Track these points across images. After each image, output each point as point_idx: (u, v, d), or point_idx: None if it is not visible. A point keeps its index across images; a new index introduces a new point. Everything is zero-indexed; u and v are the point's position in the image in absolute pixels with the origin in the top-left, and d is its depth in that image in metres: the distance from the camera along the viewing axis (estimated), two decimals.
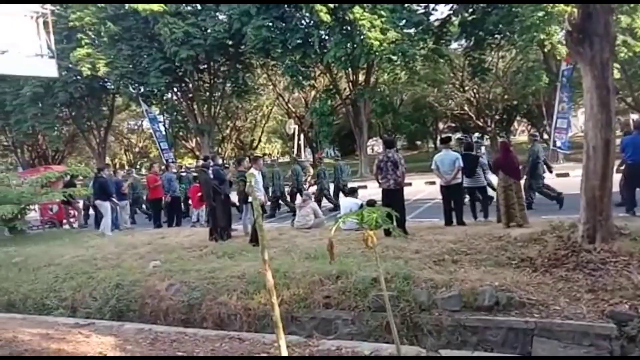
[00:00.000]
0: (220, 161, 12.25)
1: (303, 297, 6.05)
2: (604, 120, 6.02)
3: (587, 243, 6.09)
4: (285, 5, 23.45)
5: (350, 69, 25.88)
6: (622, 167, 9.26)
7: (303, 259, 7.33)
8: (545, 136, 24.28)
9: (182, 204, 14.30)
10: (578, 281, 5.34)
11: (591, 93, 6.07)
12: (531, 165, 11.10)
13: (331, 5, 20.89)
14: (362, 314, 5.57)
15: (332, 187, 14.75)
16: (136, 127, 49.14)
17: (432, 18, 26.16)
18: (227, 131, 41.51)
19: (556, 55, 21.24)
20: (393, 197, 8.33)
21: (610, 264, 5.54)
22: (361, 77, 27.44)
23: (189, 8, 25.69)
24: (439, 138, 50.20)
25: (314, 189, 14.37)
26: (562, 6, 18.30)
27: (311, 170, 16.54)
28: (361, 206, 8.90)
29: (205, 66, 29.93)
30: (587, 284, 5.24)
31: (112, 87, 30.49)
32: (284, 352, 3.11)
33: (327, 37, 24.36)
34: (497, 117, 37.55)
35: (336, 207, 13.50)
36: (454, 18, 26.39)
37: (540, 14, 19.21)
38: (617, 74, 18.60)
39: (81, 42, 25.09)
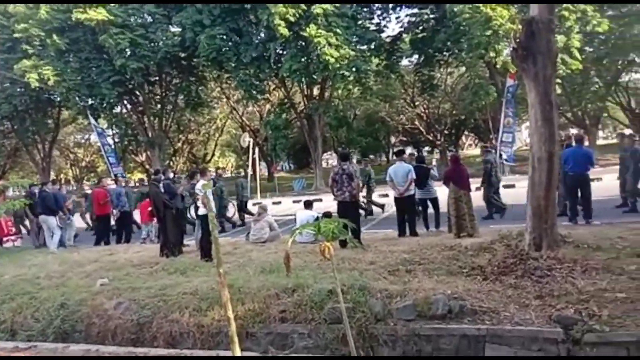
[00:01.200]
0: (171, 175, 11.97)
1: (258, 312, 5.95)
2: (548, 134, 6.30)
3: (534, 251, 6.33)
4: (241, 18, 23.39)
5: (304, 84, 26.06)
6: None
7: (258, 273, 7.22)
8: (492, 150, 25.17)
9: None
10: (526, 288, 5.51)
11: (535, 108, 6.36)
12: (487, 175, 11.49)
13: (290, 19, 20.99)
14: (319, 326, 5.53)
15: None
16: (83, 140, 47.41)
17: (384, 35, 26.85)
18: (179, 144, 40.74)
19: (502, 72, 22.17)
20: (348, 209, 8.37)
21: (556, 271, 5.77)
22: (315, 92, 27.68)
23: (139, 20, 25.21)
24: (391, 152, 51.36)
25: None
26: (509, 25, 19.17)
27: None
28: (317, 219, 8.91)
29: (157, 78, 29.36)
30: (534, 291, 5.41)
31: (59, 99, 29.37)
32: None
33: (281, 52, 24.45)
34: (446, 131, 38.77)
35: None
36: (404, 35, 27.17)
37: (489, 32, 20.04)
38: (558, 90, 19.58)
39: (27, 53, 24.10)
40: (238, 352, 2.93)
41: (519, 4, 20.83)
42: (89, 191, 15.91)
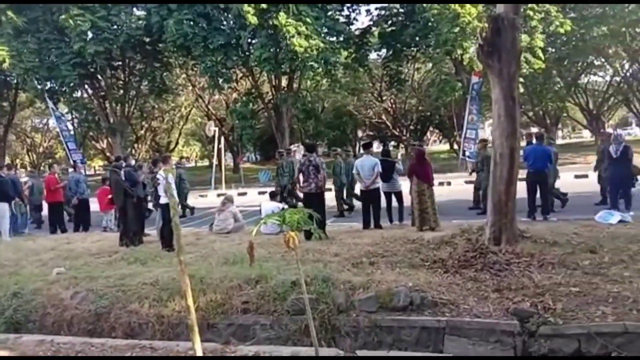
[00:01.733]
0: (133, 162, 11.66)
1: (220, 303, 5.87)
2: (510, 130, 6.45)
3: (493, 245, 6.48)
4: (210, 5, 22.92)
5: (273, 74, 25.83)
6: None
7: (221, 264, 7.13)
8: (456, 146, 25.65)
9: None
10: (485, 281, 5.63)
11: (499, 104, 6.49)
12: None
13: (261, 7, 20.70)
14: (281, 318, 5.51)
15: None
16: (41, 125, 45.73)
17: (353, 27, 26.87)
18: (142, 132, 39.78)
19: (468, 70, 22.55)
20: (314, 201, 8.37)
21: (514, 265, 5.92)
22: (284, 82, 27.49)
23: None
24: (358, 145, 51.64)
25: None
26: (476, 22, 19.49)
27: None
28: (282, 210, 8.86)
29: (120, 63, 28.51)
30: (493, 284, 5.54)
31: (16, 81, 28.16)
32: (199, 354, 2.98)
33: (250, 40, 24.14)
34: (411, 127, 39.25)
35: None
36: (374, 29, 27.25)
37: (456, 29, 20.31)
38: (521, 89, 20.07)
39: None
40: (198, 342, 2.87)
41: (488, 2, 21.22)
42: (26, 179, 15.07)
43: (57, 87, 26.54)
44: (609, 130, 12.04)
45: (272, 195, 11.70)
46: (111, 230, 12.16)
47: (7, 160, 34.54)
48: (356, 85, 32.65)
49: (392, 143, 45.41)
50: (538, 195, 10.00)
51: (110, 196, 10.85)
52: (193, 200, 20.37)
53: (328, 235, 8.35)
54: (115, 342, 5.31)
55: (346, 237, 8.51)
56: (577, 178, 17.00)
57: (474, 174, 12.63)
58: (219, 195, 19.38)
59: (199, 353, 2.93)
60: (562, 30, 21.52)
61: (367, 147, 10.63)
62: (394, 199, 10.37)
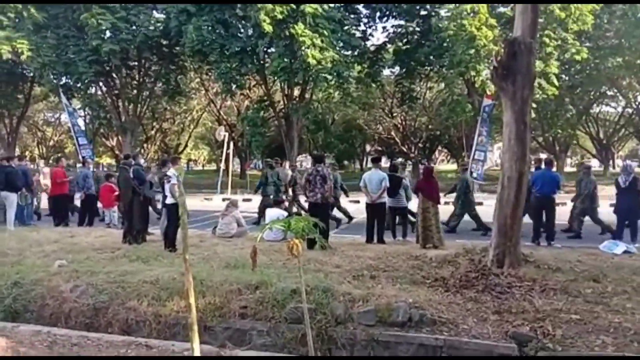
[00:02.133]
0: (142, 161, 11.74)
1: (219, 306, 5.87)
2: (520, 153, 6.44)
3: (496, 267, 6.45)
4: (229, 10, 23.15)
5: (286, 83, 25.99)
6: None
7: (222, 268, 7.14)
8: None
9: None
10: (486, 302, 5.60)
11: (510, 127, 6.50)
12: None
13: (278, 16, 20.89)
14: (278, 325, 5.49)
15: None
16: (53, 119, 46.14)
17: (368, 43, 27.04)
18: (152, 132, 40.03)
19: (480, 92, 22.61)
20: (319, 211, 8.38)
21: (516, 288, 5.88)
22: (296, 92, 27.63)
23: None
24: (366, 159, 51.68)
25: None
26: (491, 46, 19.56)
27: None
28: (287, 217, 8.88)
29: (136, 63, 28.78)
30: (493, 306, 5.51)
31: (32, 74, 28.48)
32: (197, 353, 2.98)
33: (266, 49, 24.34)
34: (420, 144, 39.28)
35: None
36: (389, 45, 27.41)
37: (471, 51, 20.39)
38: (532, 114, 20.08)
39: (2, 25, 23.29)
40: (197, 341, 2.87)
41: (503, 26, 21.31)
42: (47, 170, 14.99)
43: (72, 83, 26.82)
44: (626, 162, 12.00)
45: (277, 203, 11.72)
46: (115, 226, 12.21)
47: (18, 151, 34.86)
48: (367, 100, 32.76)
49: (400, 159, 45.41)
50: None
51: (117, 193, 10.92)
52: (199, 203, 20.52)
53: (331, 246, 8.34)
54: (111, 337, 5.31)
55: (348, 249, 8.50)
56: None
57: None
58: (224, 199, 19.46)
59: (197, 352, 2.93)
60: (578, 58, 21.51)
61: (376, 161, 10.62)
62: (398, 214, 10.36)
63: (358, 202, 15.05)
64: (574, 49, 21.25)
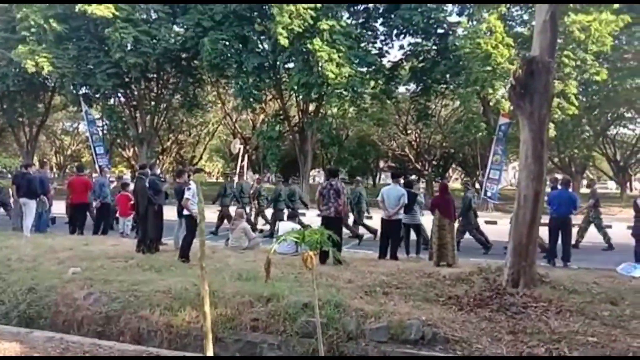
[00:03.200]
0: (158, 171, 11.87)
1: (230, 318, 5.87)
2: (536, 172, 6.39)
3: (511, 287, 6.36)
4: (247, 25, 23.47)
5: (303, 98, 26.16)
6: None
7: (234, 279, 7.15)
8: (477, 185, 25.44)
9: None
10: (500, 322, 5.51)
11: (527, 145, 6.45)
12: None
13: (296, 30, 21.12)
14: (290, 339, 5.46)
15: None
16: (71, 129, 46.90)
17: (384, 60, 27.17)
18: (168, 144, 40.46)
19: (495, 110, 22.53)
20: (332, 225, 8.32)
21: (531, 309, 5.79)
22: (311, 107, 27.78)
23: (143, 16, 25.17)
24: (378, 175, 51.53)
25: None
26: (507, 64, 19.54)
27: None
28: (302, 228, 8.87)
29: (154, 75, 29.24)
30: (508, 326, 5.42)
31: (52, 84, 29.07)
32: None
33: (284, 64, 24.59)
34: (434, 162, 39.07)
35: None
36: (405, 63, 27.50)
37: (488, 68, 20.39)
38: (552, 132, 19.98)
39: (25, 39, 23.88)
40: (210, 348, 2.87)
41: (520, 45, 21.30)
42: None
43: (91, 94, 27.33)
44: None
45: (291, 217, 11.73)
46: (127, 235, 12.29)
47: (36, 159, 35.44)
48: (382, 116, 32.76)
49: (413, 177, 45.20)
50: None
51: (132, 202, 11.01)
52: (210, 214, 20.48)
53: (346, 260, 8.30)
54: (123, 346, 5.33)
55: (361, 264, 8.45)
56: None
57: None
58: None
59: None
60: (598, 79, 21.35)
61: (396, 177, 10.17)
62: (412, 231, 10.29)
63: (371, 217, 14.99)
64: (593, 70, 21.12)
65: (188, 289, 6.49)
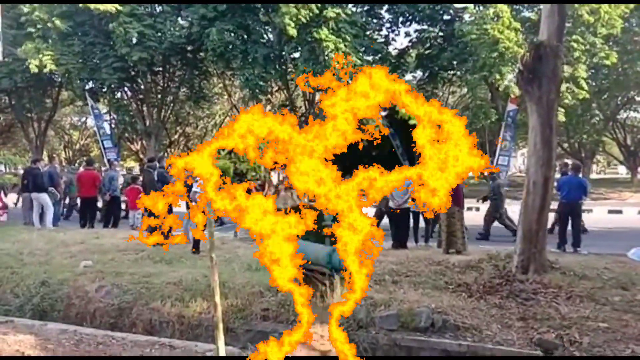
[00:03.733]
0: (166, 164, 11.92)
1: (241, 308, 5.93)
2: (546, 158, 6.34)
3: (520, 273, 6.35)
4: (250, 16, 23.37)
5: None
6: None
7: (244, 270, 7.20)
8: (486, 172, 25.27)
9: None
10: (510, 309, 5.52)
11: (536, 131, 6.40)
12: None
13: (303, 20, 21.00)
14: None
15: None
16: (79, 123, 47.11)
17: (390, 48, 26.95)
18: (176, 137, 40.55)
19: (504, 96, 22.33)
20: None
21: (541, 295, 5.78)
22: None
23: (147, 9, 25.12)
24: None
25: None
26: (515, 48, 19.31)
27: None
28: None
29: (160, 68, 29.23)
30: (518, 312, 5.42)
31: (60, 80, 29.19)
32: (222, 352, 3.00)
33: (289, 54, 24.49)
34: None
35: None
36: (411, 50, 27.28)
37: (495, 54, 20.17)
38: (561, 117, 19.77)
39: (31, 36, 23.95)
40: (221, 338, 2.89)
41: (527, 30, 21.03)
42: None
43: (97, 88, 27.40)
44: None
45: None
46: (138, 228, 12.37)
47: (45, 154, 35.69)
48: None
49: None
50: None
51: (141, 195, 11.07)
52: None
53: None
54: (135, 337, 5.39)
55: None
56: (610, 213, 16.52)
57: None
58: None
59: (222, 350, 2.95)
60: (607, 62, 21.08)
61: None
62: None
63: None
64: (603, 53, 20.84)
65: (198, 280, 6.54)
